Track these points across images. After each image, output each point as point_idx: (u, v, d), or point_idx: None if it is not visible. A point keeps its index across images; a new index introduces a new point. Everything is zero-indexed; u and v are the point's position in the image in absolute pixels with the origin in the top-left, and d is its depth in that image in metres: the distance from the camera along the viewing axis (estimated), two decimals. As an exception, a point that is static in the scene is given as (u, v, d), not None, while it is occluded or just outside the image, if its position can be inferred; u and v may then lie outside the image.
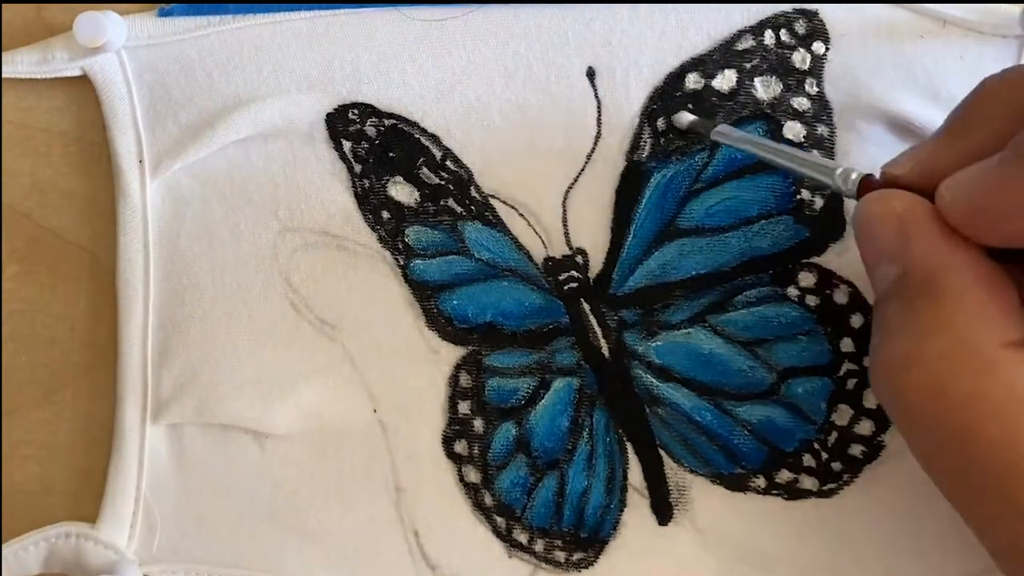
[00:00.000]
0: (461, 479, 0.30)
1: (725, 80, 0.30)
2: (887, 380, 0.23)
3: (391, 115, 0.31)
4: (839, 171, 0.26)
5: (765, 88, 0.30)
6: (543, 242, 0.31)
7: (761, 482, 0.30)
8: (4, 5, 0.32)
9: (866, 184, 0.26)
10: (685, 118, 0.30)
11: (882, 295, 0.24)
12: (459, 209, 0.31)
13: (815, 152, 0.28)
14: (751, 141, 0.28)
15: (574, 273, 0.31)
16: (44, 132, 0.32)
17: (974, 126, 0.24)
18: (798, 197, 0.30)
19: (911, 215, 0.24)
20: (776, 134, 0.30)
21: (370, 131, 0.31)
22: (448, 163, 0.31)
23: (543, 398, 0.30)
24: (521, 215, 0.31)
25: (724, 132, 0.29)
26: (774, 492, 0.30)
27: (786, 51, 0.30)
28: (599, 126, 0.30)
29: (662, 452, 0.30)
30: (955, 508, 0.23)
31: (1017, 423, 0.21)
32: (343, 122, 0.31)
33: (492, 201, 0.31)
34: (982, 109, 0.24)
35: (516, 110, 0.31)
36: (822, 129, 0.30)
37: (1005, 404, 0.21)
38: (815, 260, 0.30)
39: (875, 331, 0.25)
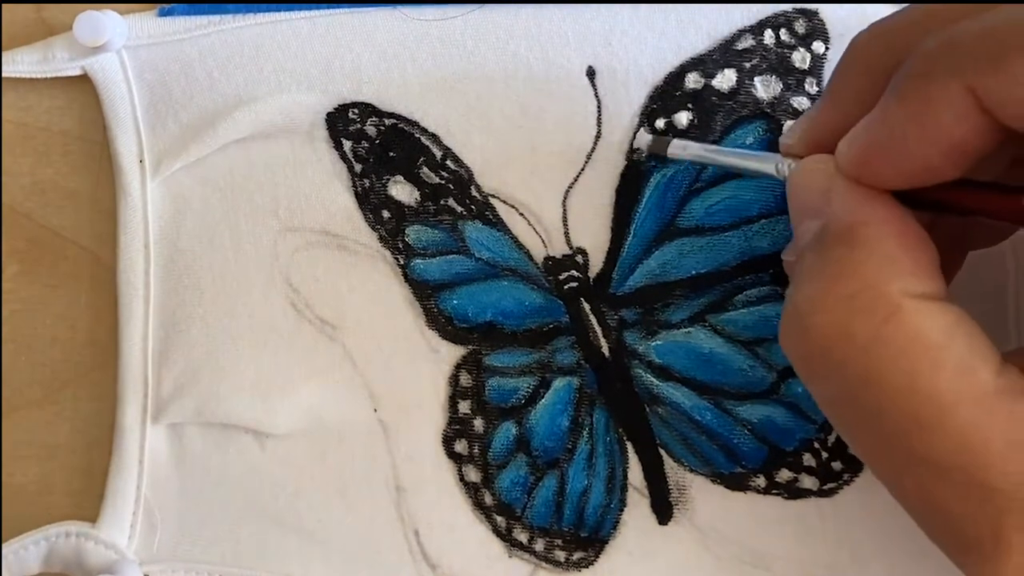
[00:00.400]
0: (461, 478, 0.30)
1: (725, 79, 0.30)
2: (793, 325, 0.23)
3: (391, 114, 0.31)
4: (779, 163, 0.26)
5: (765, 87, 0.30)
6: (543, 241, 0.31)
7: (761, 481, 0.30)
8: (4, 5, 0.32)
9: None
10: (643, 139, 0.30)
11: (801, 247, 0.24)
12: (459, 208, 0.31)
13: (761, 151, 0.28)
14: (704, 149, 0.28)
15: (574, 272, 0.31)
16: (44, 131, 0.32)
17: (850, 83, 0.25)
18: (798, 196, 0.30)
19: (838, 177, 0.24)
20: (775, 134, 0.30)
21: (370, 130, 0.31)
22: (448, 162, 0.31)
23: (543, 397, 0.30)
24: (521, 214, 0.31)
25: (679, 147, 0.29)
26: (774, 491, 0.30)
27: (786, 50, 0.30)
28: (599, 125, 0.30)
29: (662, 451, 0.30)
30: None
31: (918, 370, 0.21)
32: (343, 121, 0.31)
33: (492, 200, 0.31)
34: (854, 66, 0.25)
35: (516, 109, 0.31)
36: (822, 128, 0.30)
37: (907, 349, 0.21)
38: (815, 259, 0.30)
39: (790, 284, 0.25)
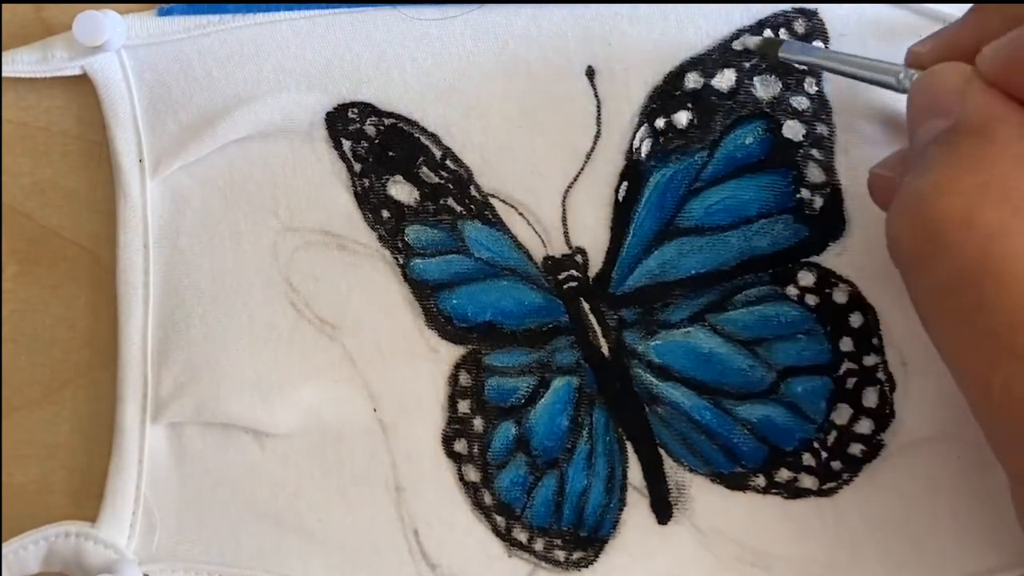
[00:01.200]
0: (461, 478, 0.30)
1: (725, 79, 0.30)
2: (911, 209, 0.23)
3: (391, 114, 0.31)
4: (901, 73, 0.26)
5: (765, 87, 0.30)
6: (543, 241, 0.31)
7: (761, 481, 0.30)
8: (4, 5, 0.32)
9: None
10: (751, 40, 0.30)
11: (924, 143, 0.24)
12: (459, 208, 0.31)
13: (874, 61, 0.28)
14: (813, 53, 0.29)
15: (574, 272, 0.31)
16: (44, 131, 0.32)
17: (990, 6, 0.25)
18: (798, 196, 0.30)
19: (975, 80, 0.24)
20: (775, 133, 0.30)
21: (370, 130, 0.31)
22: (448, 162, 0.31)
23: (543, 397, 0.30)
24: (521, 214, 0.31)
25: (790, 50, 0.29)
26: (774, 491, 0.30)
27: (786, 50, 0.30)
28: (599, 125, 0.30)
29: (662, 451, 0.30)
30: (944, 354, 0.23)
31: None
32: (343, 121, 0.31)
33: (492, 200, 0.31)
34: None
35: (516, 109, 0.31)
36: (821, 128, 0.30)
37: None
38: (814, 259, 0.30)
39: (908, 172, 0.25)
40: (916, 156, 0.25)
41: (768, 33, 0.30)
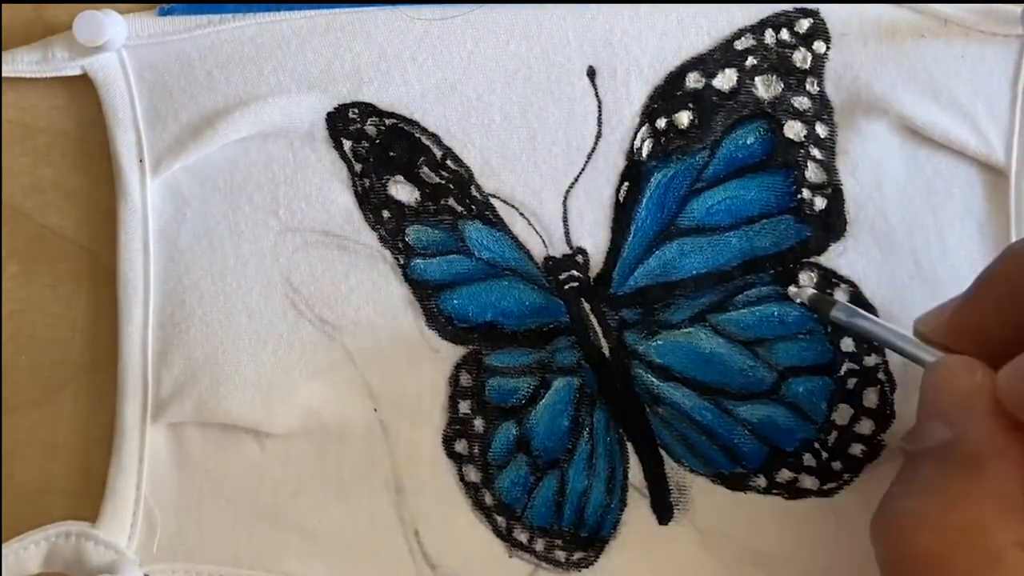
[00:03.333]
0: (461, 478, 0.30)
1: (726, 79, 0.30)
2: (894, 533, 0.24)
3: (391, 114, 0.31)
4: (932, 360, 0.26)
5: (766, 87, 0.30)
6: (543, 241, 0.31)
7: (762, 481, 0.30)
8: (4, 4, 0.32)
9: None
10: (805, 294, 0.29)
11: (922, 451, 0.24)
12: (459, 208, 0.31)
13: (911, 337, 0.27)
14: (863, 323, 0.28)
15: (574, 272, 0.31)
16: (44, 131, 0.32)
17: (996, 287, 0.25)
18: (799, 196, 0.30)
19: (983, 392, 0.24)
20: (775, 134, 0.30)
21: (370, 130, 0.31)
22: (448, 162, 0.31)
23: (543, 397, 0.30)
24: (521, 214, 0.31)
25: (842, 312, 0.28)
26: (774, 492, 0.30)
27: (787, 50, 0.30)
28: (600, 125, 0.30)
29: (662, 451, 0.30)
30: None
31: None
32: (343, 121, 0.31)
33: (492, 200, 0.31)
34: (1006, 272, 0.25)
35: (517, 109, 0.31)
36: (822, 128, 0.30)
37: None
38: (816, 259, 0.30)
39: (898, 481, 0.25)
40: (909, 461, 0.25)
41: (770, 33, 0.30)
